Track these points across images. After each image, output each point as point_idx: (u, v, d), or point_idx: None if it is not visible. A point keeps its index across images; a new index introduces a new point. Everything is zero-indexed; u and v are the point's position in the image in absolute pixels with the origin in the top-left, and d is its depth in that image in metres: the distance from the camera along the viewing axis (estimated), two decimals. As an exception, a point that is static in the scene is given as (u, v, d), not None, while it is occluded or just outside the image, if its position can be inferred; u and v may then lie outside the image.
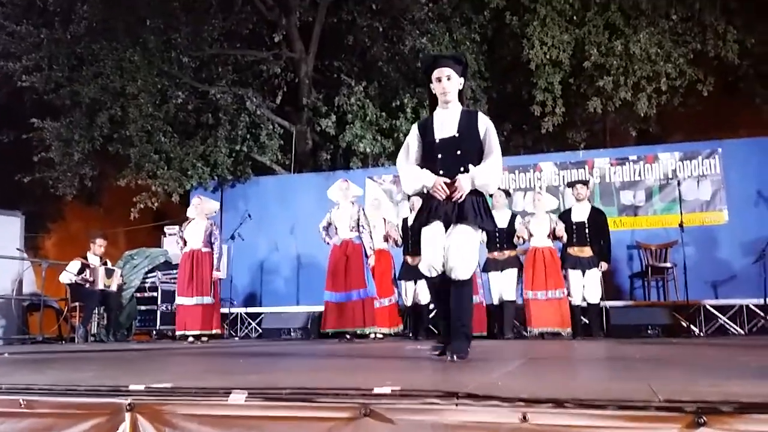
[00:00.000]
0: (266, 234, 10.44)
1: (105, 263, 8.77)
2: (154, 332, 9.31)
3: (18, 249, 9.26)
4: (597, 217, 7.49)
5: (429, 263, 3.39)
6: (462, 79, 3.56)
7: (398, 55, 10.88)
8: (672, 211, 8.86)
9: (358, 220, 7.37)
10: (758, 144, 9.03)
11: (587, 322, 7.52)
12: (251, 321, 10.04)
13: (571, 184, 7.78)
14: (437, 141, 3.50)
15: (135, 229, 13.85)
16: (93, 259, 8.69)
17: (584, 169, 9.50)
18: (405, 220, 7.88)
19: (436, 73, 3.51)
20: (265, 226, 10.37)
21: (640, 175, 9.32)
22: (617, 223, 9.08)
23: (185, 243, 7.79)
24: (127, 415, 1.71)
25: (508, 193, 8.26)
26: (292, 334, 8.84)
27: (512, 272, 7.60)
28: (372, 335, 7.55)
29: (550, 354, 4.30)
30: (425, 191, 3.53)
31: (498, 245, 7.65)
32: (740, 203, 8.80)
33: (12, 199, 10.96)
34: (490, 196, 7.93)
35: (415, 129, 3.69)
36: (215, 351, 5.28)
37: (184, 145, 10.80)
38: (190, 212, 7.97)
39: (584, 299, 7.34)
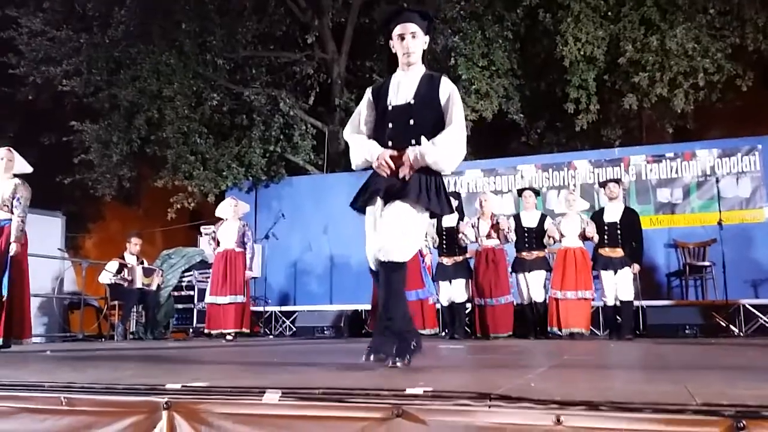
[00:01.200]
0: (300, 233, 10.52)
1: (142, 262, 8.93)
2: (191, 330, 9.46)
3: (59, 249, 9.49)
4: (630, 217, 7.32)
5: (370, 253, 2.92)
6: (427, 38, 3.09)
7: (430, 53, 10.81)
8: (710, 209, 8.69)
9: None
10: (800, 140, 8.81)
11: (619, 321, 7.39)
12: (285, 319, 10.13)
13: (604, 183, 7.63)
14: (390, 108, 3.03)
15: (172, 229, 14.07)
16: (130, 259, 8.86)
17: (620, 166, 9.37)
18: (440, 220, 7.81)
19: (398, 30, 3.02)
20: (299, 225, 10.45)
21: (677, 172, 9.16)
22: (654, 222, 8.94)
23: (218, 243, 7.94)
24: (164, 414, 1.74)
25: (537, 193, 8.17)
26: (325, 332, 8.90)
27: (540, 274, 7.53)
28: None
29: (584, 355, 4.26)
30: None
31: (527, 245, 7.59)
32: (781, 201, 8.60)
33: (53, 201, 11.19)
34: (519, 194, 7.98)
35: (368, 93, 3.19)
36: (249, 349, 5.35)
37: (219, 146, 10.96)
38: (225, 213, 8.08)
39: (617, 299, 7.21)
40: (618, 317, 7.35)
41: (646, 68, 9.62)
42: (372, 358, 2.74)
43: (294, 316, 9.88)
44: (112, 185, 11.06)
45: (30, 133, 12.70)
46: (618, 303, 7.18)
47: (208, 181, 10.74)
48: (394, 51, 3.09)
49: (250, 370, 3.06)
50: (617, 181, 7.60)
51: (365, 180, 3.09)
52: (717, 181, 8.50)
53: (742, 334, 7.87)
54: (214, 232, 8.16)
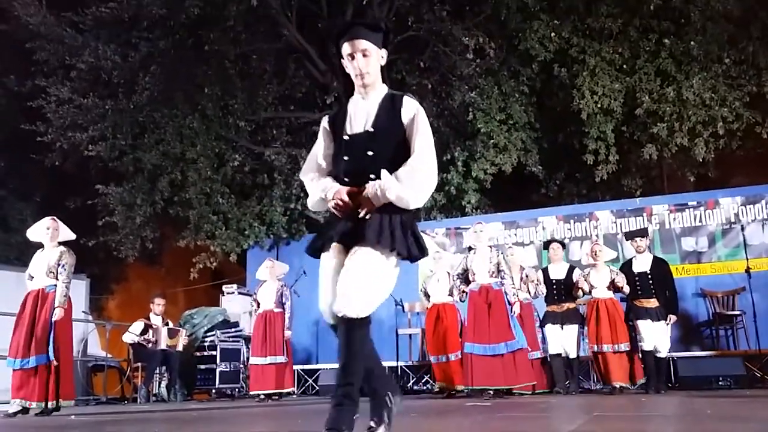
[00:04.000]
0: (321, 290, 10.48)
1: (167, 323, 8.95)
2: (214, 391, 9.38)
3: (84, 312, 9.54)
4: (661, 267, 7.19)
5: (323, 307, 2.52)
6: (384, 52, 2.63)
7: (447, 110, 11.01)
8: (737, 257, 8.56)
9: (498, 264, 6.73)
10: (824, 184, 8.71)
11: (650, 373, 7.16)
12: (308, 378, 10.02)
13: (630, 237, 7.47)
14: (346, 138, 2.60)
15: (194, 289, 14.14)
16: (155, 319, 8.88)
17: (642, 216, 9.30)
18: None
19: (346, 48, 2.58)
20: (320, 282, 10.42)
21: (701, 220, 9.07)
22: (680, 271, 8.81)
23: (258, 305, 8.07)
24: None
25: (563, 245, 8.10)
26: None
27: (573, 328, 7.38)
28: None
29: (616, 410, 4.15)
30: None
31: (556, 298, 7.49)
32: (809, 246, 8.44)
33: (77, 263, 11.29)
34: (546, 246, 7.91)
35: (324, 122, 2.77)
36: (274, 410, 5.29)
37: (241, 205, 11.09)
38: (262, 275, 8.24)
39: (655, 349, 7.01)
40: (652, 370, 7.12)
41: (663, 119, 9.65)
42: None
43: (317, 374, 9.77)
44: (135, 246, 11.17)
45: (56, 197, 12.97)
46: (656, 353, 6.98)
47: (230, 240, 10.83)
48: (347, 71, 2.66)
49: (275, 432, 3.02)
50: (643, 234, 7.43)
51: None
52: (742, 228, 8.39)
53: (778, 385, 7.64)
54: (255, 293, 8.33)
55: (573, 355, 7.33)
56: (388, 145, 2.54)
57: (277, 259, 9.43)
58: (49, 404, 5.26)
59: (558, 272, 7.61)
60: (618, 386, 6.94)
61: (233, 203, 11.03)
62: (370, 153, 2.52)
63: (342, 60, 2.64)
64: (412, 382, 9.35)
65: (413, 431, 2.69)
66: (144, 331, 8.66)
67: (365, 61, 2.57)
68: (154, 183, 10.85)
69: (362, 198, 2.47)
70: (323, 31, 11.87)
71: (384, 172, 2.45)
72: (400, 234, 2.47)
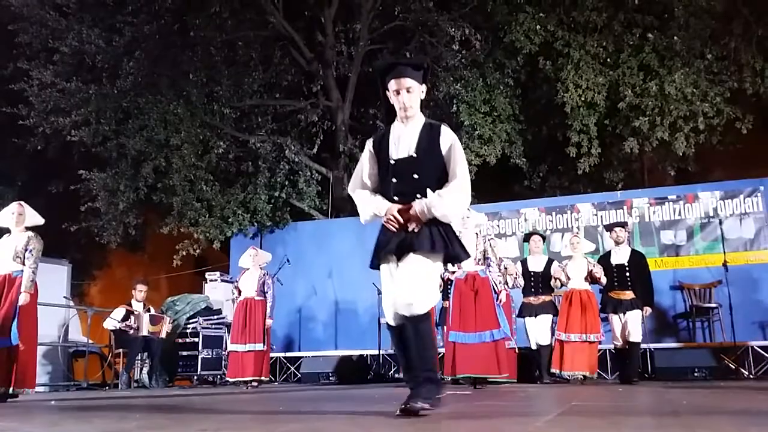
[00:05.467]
0: (304, 278, 10.54)
1: (149, 310, 8.93)
2: (195, 378, 9.40)
3: (65, 297, 9.50)
4: (638, 259, 7.31)
5: (389, 309, 2.94)
6: (424, 87, 3.11)
7: (433, 101, 11.05)
8: (714, 251, 8.70)
9: (485, 252, 6.62)
10: (802, 181, 8.86)
11: (625, 364, 7.28)
12: (290, 365, 10.07)
13: (609, 228, 7.59)
14: (392, 162, 3.04)
15: (177, 276, 14.09)
16: (137, 306, 8.86)
17: (623, 209, 9.42)
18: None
19: (393, 85, 3.03)
20: (303, 270, 10.47)
21: (680, 214, 9.20)
22: (659, 263, 8.94)
23: (240, 292, 8.09)
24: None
25: (543, 237, 8.19)
26: (330, 378, 8.84)
27: (546, 318, 7.51)
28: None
29: (593, 400, 4.23)
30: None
31: (533, 290, 7.59)
32: (786, 242, 8.60)
33: (59, 248, 11.27)
34: (527, 238, 7.99)
35: (368, 146, 3.20)
36: (256, 397, 5.32)
37: (225, 193, 11.07)
38: (245, 263, 8.24)
39: (627, 341, 7.14)
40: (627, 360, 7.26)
41: (646, 113, 9.76)
42: (421, 405, 2.72)
43: (299, 362, 9.82)
44: (118, 232, 11.11)
45: (38, 181, 12.86)
46: (627, 346, 7.12)
47: (213, 227, 10.80)
48: (391, 102, 3.09)
49: (257, 419, 3.05)
50: (623, 225, 7.55)
51: (376, 237, 3.09)
52: (720, 222, 8.53)
53: (752, 376, 7.80)
54: (236, 281, 8.34)
55: (544, 342, 7.43)
56: (430, 167, 2.99)
57: (261, 247, 9.44)
58: (1, 389, 5.18)
59: (537, 264, 7.71)
60: (581, 376, 7.04)
61: (217, 190, 10.99)
62: (416, 176, 2.97)
63: (386, 92, 3.06)
64: (393, 370, 9.44)
65: (387, 419, 2.74)
66: (126, 318, 8.64)
67: (409, 97, 3.02)
68: (137, 169, 10.78)
69: (411, 215, 2.90)
70: (310, 20, 11.85)
71: (430, 193, 2.92)
72: (448, 241, 2.94)
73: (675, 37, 9.62)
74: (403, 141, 3.04)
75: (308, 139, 12.17)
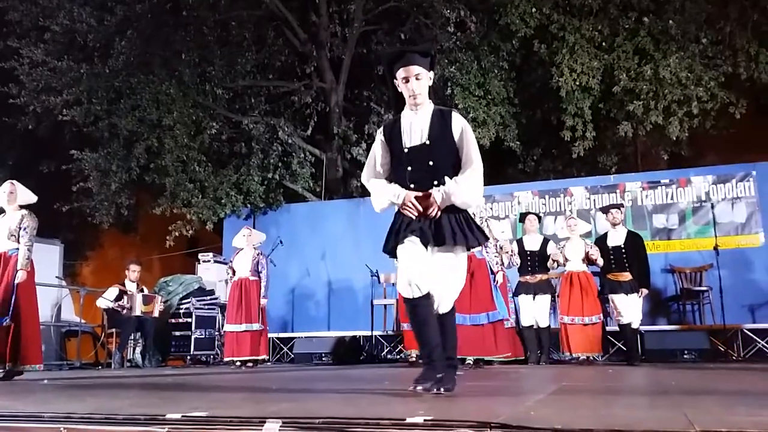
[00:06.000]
0: (298, 260, 10.55)
1: (142, 290, 8.93)
2: (188, 358, 9.42)
3: (57, 277, 9.49)
4: (634, 241, 7.31)
5: (410, 281, 2.88)
6: (432, 74, 3.11)
7: (427, 83, 10.99)
8: (706, 234, 8.76)
9: None
10: (794, 166, 8.90)
11: (623, 346, 7.37)
12: (283, 346, 10.11)
13: (605, 209, 7.59)
14: (406, 150, 3.05)
15: (170, 256, 14.08)
16: (130, 286, 8.86)
17: (615, 193, 9.44)
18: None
19: (401, 73, 3.04)
20: (297, 252, 10.49)
21: (672, 198, 9.24)
22: (650, 247, 8.96)
23: (234, 272, 8.11)
24: (167, 443, 1.76)
25: (539, 218, 8.22)
26: (323, 358, 8.88)
27: (545, 298, 7.53)
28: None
29: (584, 381, 4.27)
30: (396, 208, 3.09)
31: (530, 269, 7.61)
32: (777, 226, 8.65)
33: (51, 228, 11.22)
34: (522, 218, 8.03)
35: (379, 135, 3.19)
36: (249, 376, 5.34)
37: (218, 174, 11.03)
38: (239, 242, 8.23)
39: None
40: (616, 341, 7.34)
41: (640, 97, 9.75)
42: (443, 390, 2.81)
43: (292, 342, 9.86)
44: (110, 213, 11.07)
45: (29, 161, 12.78)
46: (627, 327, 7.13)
47: (206, 208, 10.77)
48: (399, 90, 3.09)
49: (249, 398, 3.07)
50: (619, 206, 7.53)
51: (391, 224, 3.09)
52: (712, 206, 8.58)
53: (740, 358, 7.88)
54: (231, 261, 8.34)
55: (543, 324, 7.47)
56: (444, 154, 3.00)
57: (254, 229, 9.43)
58: (7, 366, 5.21)
59: (532, 243, 7.73)
60: (585, 357, 7.12)
61: (210, 171, 10.95)
62: (430, 163, 2.99)
63: (395, 81, 3.08)
64: (386, 351, 9.49)
65: (379, 398, 2.76)
66: (119, 297, 8.64)
67: (418, 84, 3.03)
68: (129, 149, 10.73)
69: (430, 202, 2.92)
70: (304, 0, 11.71)
71: (447, 180, 2.94)
72: (468, 229, 2.99)
73: (670, 21, 9.59)
74: (415, 128, 3.05)
75: (302, 120, 12.12)
